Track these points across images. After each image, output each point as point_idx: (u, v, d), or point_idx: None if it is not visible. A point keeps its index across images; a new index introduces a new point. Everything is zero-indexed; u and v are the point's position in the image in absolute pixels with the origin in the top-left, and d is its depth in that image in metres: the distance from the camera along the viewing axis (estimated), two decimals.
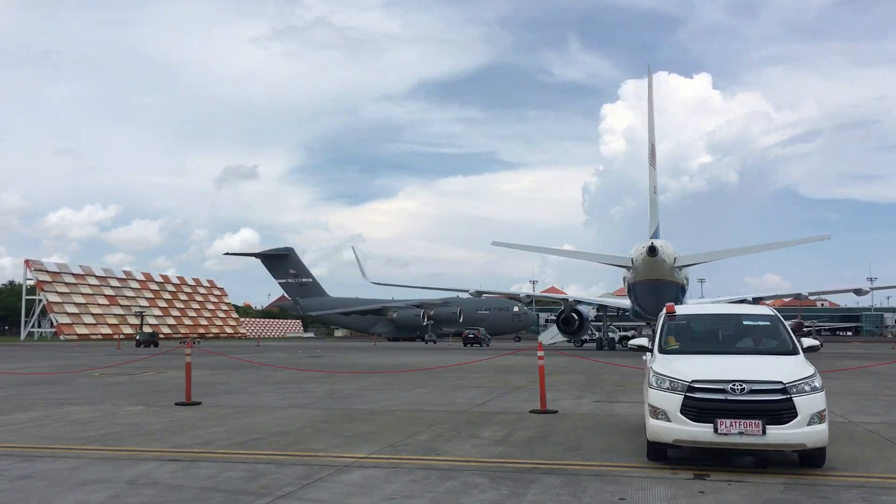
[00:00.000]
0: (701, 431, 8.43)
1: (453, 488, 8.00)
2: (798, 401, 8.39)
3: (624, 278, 48.23)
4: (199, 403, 16.39)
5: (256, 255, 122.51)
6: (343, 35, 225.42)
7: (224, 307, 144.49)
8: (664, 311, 10.75)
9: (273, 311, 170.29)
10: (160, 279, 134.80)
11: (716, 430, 8.33)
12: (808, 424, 8.35)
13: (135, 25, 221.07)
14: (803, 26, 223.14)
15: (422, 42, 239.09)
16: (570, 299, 56.49)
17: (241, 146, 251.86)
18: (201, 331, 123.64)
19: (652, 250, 40.51)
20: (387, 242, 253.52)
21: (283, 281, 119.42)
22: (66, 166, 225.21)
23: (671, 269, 42.59)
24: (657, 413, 8.84)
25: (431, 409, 15.51)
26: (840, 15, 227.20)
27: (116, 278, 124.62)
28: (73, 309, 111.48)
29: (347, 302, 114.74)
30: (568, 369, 29.24)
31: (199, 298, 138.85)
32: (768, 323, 10.36)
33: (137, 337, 72.16)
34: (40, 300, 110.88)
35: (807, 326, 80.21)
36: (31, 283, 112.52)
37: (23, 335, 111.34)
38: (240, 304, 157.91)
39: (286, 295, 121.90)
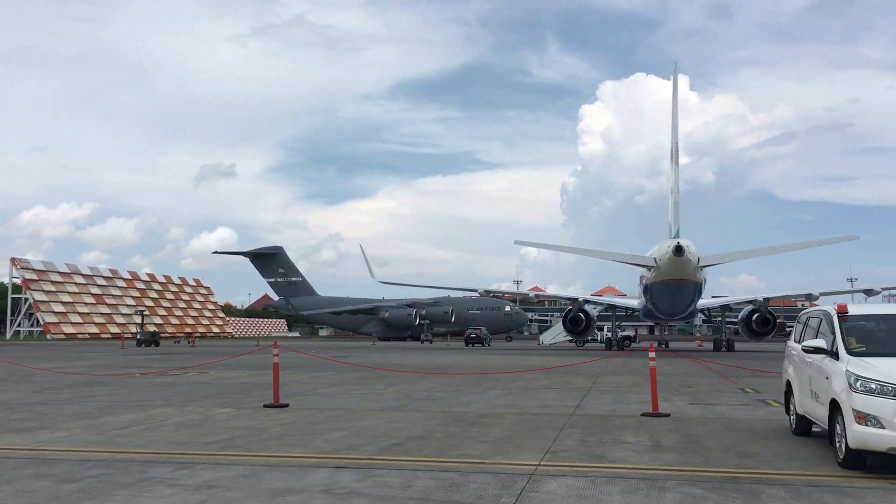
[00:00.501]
0: None
1: (684, 502, 7.49)
2: None
3: (641, 278, 48.04)
4: (287, 406, 15.81)
5: (245, 254, 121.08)
6: (322, 34, 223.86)
7: (210, 307, 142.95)
8: (834, 310, 10.33)
9: (257, 311, 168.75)
10: (146, 278, 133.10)
11: None
12: None
13: (110, 22, 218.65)
14: (779, 29, 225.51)
15: (401, 41, 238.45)
16: (578, 299, 56.26)
17: (219, 144, 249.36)
18: (188, 330, 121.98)
19: (679, 249, 40.31)
20: (365, 242, 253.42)
21: (273, 280, 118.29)
22: (39, 164, 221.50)
23: (695, 269, 42.51)
24: (865, 419, 8.45)
25: (534, 412, 15.02)
26: (815, 18, 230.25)
27: (102, 277, 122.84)
28: (59, 308, 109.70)
29: (338, 301, 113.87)
30: (612, 370, 28.90)
31: (186, 298, 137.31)
32: None
33: (139, 336, 71.39)
34: (26, 299, 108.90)
35: None
36: (17, 281, 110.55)
37: (9, 334, 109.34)
38: (220, 303, 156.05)
39: (275, 294, 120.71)
